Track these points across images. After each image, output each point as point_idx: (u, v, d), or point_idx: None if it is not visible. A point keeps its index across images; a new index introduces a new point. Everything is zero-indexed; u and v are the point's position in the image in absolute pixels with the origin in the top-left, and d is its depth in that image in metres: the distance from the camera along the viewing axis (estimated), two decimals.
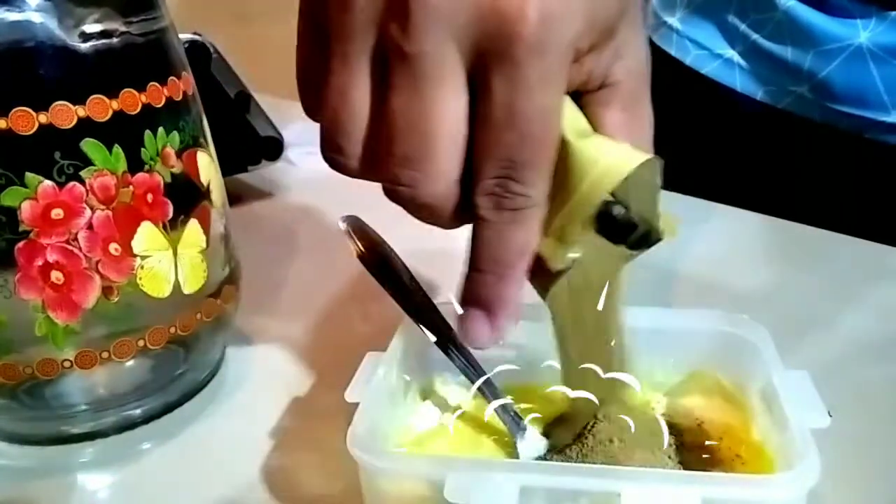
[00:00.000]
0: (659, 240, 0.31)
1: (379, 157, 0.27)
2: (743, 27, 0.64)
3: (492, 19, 0.24)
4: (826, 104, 0.60)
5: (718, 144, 0.69)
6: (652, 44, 0.73)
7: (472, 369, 0.35)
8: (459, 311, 0.30)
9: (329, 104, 0.27)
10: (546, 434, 0.35)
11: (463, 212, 0.28)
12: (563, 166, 0.27)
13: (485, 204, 0.27)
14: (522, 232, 0.28)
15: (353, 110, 0.27)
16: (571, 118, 0.28)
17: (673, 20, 0.71)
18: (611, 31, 0.28)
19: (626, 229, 0.30)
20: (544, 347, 0.38)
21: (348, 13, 0.26)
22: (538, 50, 0.24)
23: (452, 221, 0.28)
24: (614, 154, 0.27)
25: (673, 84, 0.71)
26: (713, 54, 0.68)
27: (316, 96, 0.28)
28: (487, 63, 0.25)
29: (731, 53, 0.66)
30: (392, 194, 0.28)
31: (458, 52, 0.25)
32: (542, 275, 0.30)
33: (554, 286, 0.31)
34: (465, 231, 0.28)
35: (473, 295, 0.30)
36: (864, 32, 0.56)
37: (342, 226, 0.36)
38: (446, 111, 0.26)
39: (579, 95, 0.29)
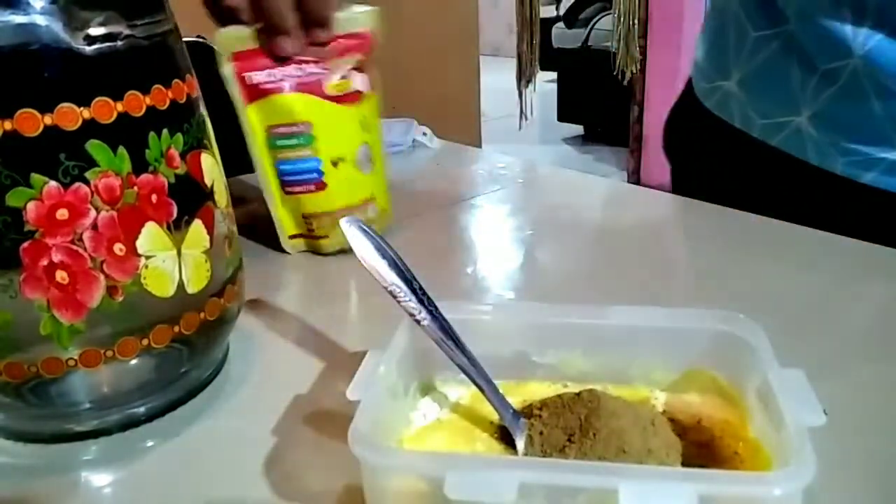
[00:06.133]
0: None
1: None
2: (812, 83, 0.56)
3: None
4: None
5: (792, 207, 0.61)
6: (710, 114, 0.67)
7: (471, 366, 0.35)
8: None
9: None
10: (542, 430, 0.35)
11: None
12: None
13: None
14: None
15: None
16: None
17: (729, 84, 0.64)
18: None
19: None
20: (539, 345, 0.38)
21: None
22: None
23: None
24: None
25: (739, 157, 0.65)
26: (778, 123, 0.59)
27: None
28: None
29: (800, 120, 0.57)
30: None
31: None
32: None
33: None
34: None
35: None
36: None
37: (344, 226, 0.36)
38: None
39: None
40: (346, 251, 0.59)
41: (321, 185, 0.58)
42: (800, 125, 0.58)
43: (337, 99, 0.57)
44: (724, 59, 0.64)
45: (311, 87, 0.56)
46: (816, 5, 0.54)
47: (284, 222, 0.60)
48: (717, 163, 0.69)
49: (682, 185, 0.77)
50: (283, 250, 0.61)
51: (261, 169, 0.59)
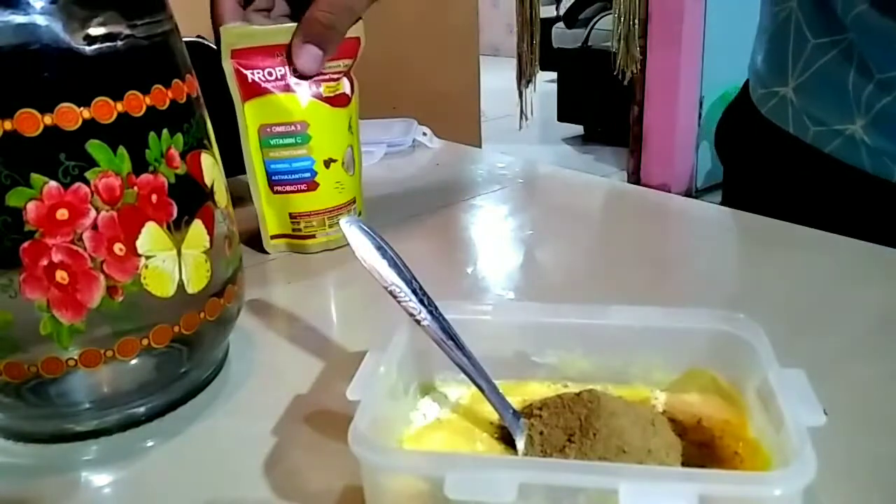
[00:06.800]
0: None
1: None
2: (867, 91, 0.56)
3: None
4: None
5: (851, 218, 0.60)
6: (765, 120, 0.68)
7: (472, 366, 0.35)
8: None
9: None
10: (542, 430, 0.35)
11: None
12: None
13: None
14: None
15: None
16: None
17: (786, 90, 0.65)
18: None
19: None
20: (539, 345, 0.38)
21: None
22: None
23: None
24: None
25: (792, 162, 0.65)
26: (833, 131, 0.60)
27: None
28: None
29: (854, 128, 0.58)
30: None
31: None
32: None
33: None
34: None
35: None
36: None
37: (343, 226, 0.36)
38: None
39: None
40: (330, 250, 0.61)
41: (313, 185, 0.59)
42: (854, 133, 0.59)
43: (330, 100, 0.59)
44: (783, 65, 0.65)
45: (307, 88, 0.58)
46: (876, 14, 0.55)
47: (269, 221, 0.61)
48: (769, 168, 0.70)
49: (735, 188, 0.78)
50: (263, 250, 0.61)
51: (251, 167, 0.59)
